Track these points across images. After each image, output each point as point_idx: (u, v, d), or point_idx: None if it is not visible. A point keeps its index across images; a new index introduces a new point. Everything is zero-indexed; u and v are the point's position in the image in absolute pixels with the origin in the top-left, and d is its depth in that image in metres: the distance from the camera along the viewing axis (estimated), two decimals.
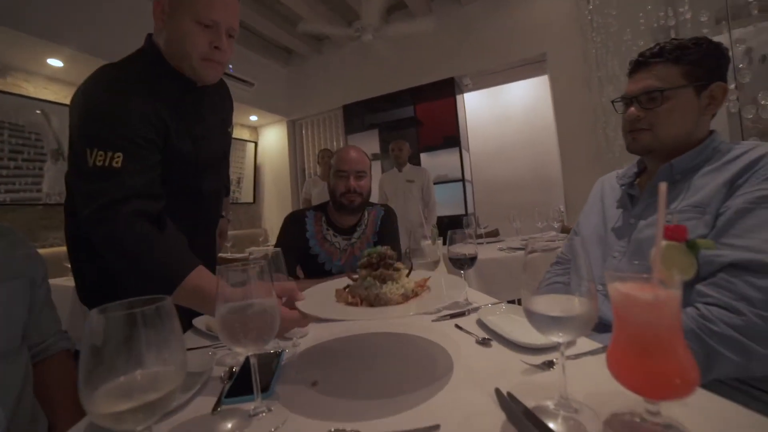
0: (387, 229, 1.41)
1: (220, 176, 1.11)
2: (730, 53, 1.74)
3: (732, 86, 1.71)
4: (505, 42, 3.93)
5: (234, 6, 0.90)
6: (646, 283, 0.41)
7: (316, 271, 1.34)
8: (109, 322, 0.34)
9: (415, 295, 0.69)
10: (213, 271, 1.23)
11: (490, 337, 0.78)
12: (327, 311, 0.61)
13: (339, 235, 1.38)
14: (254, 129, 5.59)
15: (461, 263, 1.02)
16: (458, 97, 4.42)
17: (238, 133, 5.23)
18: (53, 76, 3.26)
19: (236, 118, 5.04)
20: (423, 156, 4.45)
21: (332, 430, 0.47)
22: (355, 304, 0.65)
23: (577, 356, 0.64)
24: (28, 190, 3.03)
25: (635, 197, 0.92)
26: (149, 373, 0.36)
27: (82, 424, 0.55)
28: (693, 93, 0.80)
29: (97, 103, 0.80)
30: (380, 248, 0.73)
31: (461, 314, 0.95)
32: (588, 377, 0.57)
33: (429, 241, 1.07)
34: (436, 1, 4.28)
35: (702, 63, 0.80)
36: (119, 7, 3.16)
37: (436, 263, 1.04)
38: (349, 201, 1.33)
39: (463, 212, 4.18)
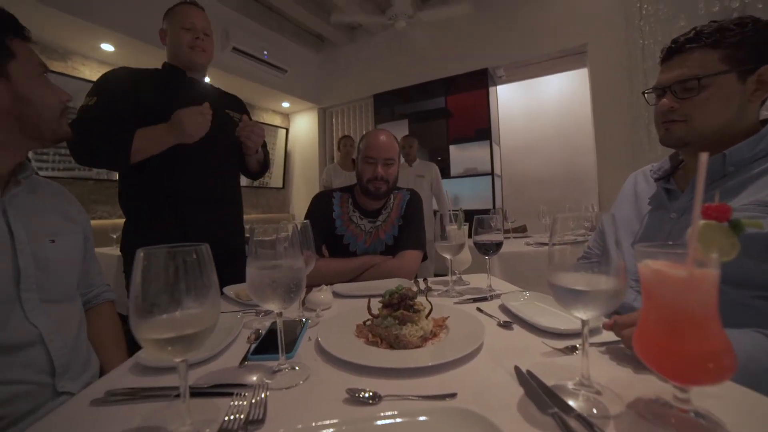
0: (411, 214, 1.42)
1: (206, 149, 1.27)
2: None
3: None
4: (543, 32, 3.76)
5: (202, 15, 1.34)
6: (680, 260, 0.39)
7: (341, 251, 1.36)
8: (152, 259, 0.38)
9: (434, 335, 0.69)
10: (237, 242, 1.47)
11: (511, 320, 0.77)
12: (348, 351, 0.61)
13: (365, 218, 1.40)
14: (286, 116, 5.70)
15: (486, 249, 1.02)
16: (491, 89, 4.30)
17: (269, 118, 5.35)
18: (106, 60, 3.46)
19: (268, 103, 5.17)
20: (452, 148, 4.38)
21: (351, 389, 0.49)
22: (375, 344, 0.66)
23: (602, 344, 0.62)
24: (83, 168, 3.26)
25: (673, 191, 0.87)
26: (188, 311, 0.39)
27: (127, 363, 0.60)
28: (736, 78, 0.73)
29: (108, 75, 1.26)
30: (401, 288, 0.73)
31: (483, 299, 0.95)
32: (612, 364, 0.56)
33: (454, 226, 1.07)
34: None
35: (746, 45, 0.72)
36: None
37: (460, 247, 1.04)
38: (375, 188, 1.34)
39: (491, 207, 4.09)
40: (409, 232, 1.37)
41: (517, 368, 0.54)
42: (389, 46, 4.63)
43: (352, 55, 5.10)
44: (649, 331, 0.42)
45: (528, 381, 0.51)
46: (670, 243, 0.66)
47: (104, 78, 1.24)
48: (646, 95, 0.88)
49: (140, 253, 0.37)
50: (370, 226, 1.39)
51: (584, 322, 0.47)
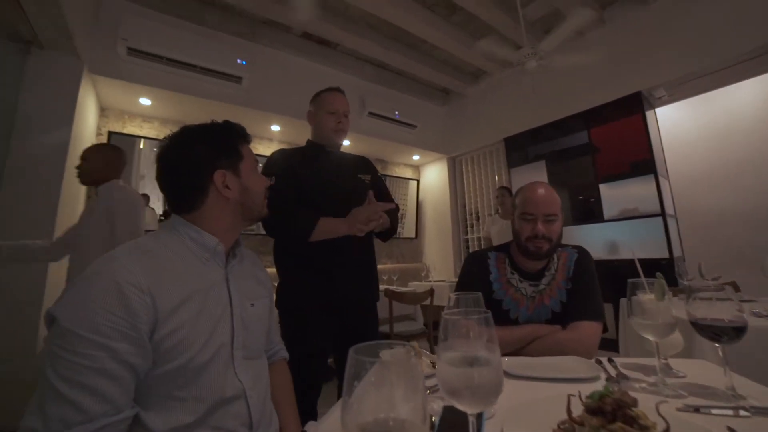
0: (582, 276, 1.20)
1: (342, 203, 1.40)
2: None
3: None
4: (716, 35, 3.03)
5: (344, 99, 1.58)
6: None
7: (500, 318, 1.20)
8: (359, 360, 0.37)
9: None
10: (372, 297, 1.59)
11: None
12: None
13: (525, 280, 1.24)
14: (416, 168, 6.00)
15: (716, 334, 0.74)
16: (648, 114, 3.65)
17: (401, 171, 5.72)
18: (273, 138, 4.44)
19: (400, 158, 5.55)
20: (602, 187, 3.79)
21: None
22: None
23: None
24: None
25: None
26: (398, 418, 0.36)
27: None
28: None
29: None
30: (610, 390, 0.56)
31: (729, 410, 0.67)
32: None
33: (651, 295, 0.84)
34: (610, 8, 3.75)
35: None
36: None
37: (669, 327, 0.79)
38: (536, 247, 1.18)
39: (666, 255, 3.26)
40: (583, 298, 1.16)
41: None
42: (516, 88, 4.48)
43: (477, 102, 5.15)
44: None
45: None
46: None
47: (273, 160, 1.50)
48: None
49: (352, 355, 0.37)
50: (533, 290, 1.22)
51: None
